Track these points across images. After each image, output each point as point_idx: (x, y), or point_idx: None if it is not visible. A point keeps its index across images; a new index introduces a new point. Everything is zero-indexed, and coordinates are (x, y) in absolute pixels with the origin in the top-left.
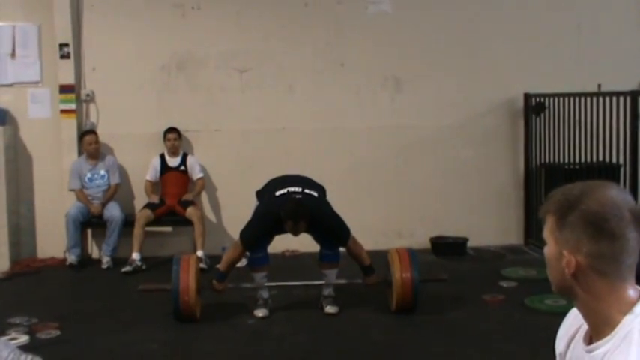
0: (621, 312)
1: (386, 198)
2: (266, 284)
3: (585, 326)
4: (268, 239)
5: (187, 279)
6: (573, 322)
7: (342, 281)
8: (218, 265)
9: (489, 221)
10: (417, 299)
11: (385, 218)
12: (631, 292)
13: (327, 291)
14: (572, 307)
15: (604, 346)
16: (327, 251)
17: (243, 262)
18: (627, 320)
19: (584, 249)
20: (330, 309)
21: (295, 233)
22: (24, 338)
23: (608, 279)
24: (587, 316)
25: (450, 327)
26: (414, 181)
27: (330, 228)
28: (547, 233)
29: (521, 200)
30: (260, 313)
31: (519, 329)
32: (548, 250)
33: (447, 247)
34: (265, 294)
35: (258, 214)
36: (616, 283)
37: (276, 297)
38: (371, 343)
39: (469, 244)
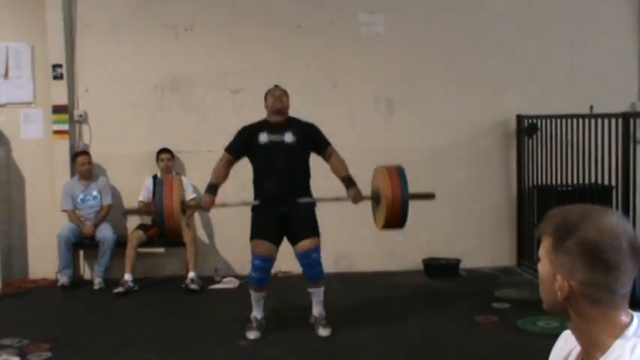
0: (613, 336)
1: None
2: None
3: (577, 349)
4: (273, 236)
5: (171, 202)
6: (564, 345)
7: (330, 198)
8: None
9: (482, 243)
10: (406, 217)
11: (377, 239)
12: (623, 317)
13: (316, 311)
14: (564, 328)
15: None
16: (310, 270)
17: (235, 284)
18: (618, 344)
19: (579, 276)
20: (322, 332)
21: (278, 104)
22: None
23: (600, 307)
24: (579, 337)
25: (442, 348)
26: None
27: (310, 128)
28: (543, 253)
29: (514, 221)
30: (252, 335)
31: (512, 351)
32: (543, 269)
33: (440, 269)
34: (259, 315)
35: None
36: (609, 311)
37: (268, 317)
38: None
39: (462, 265)
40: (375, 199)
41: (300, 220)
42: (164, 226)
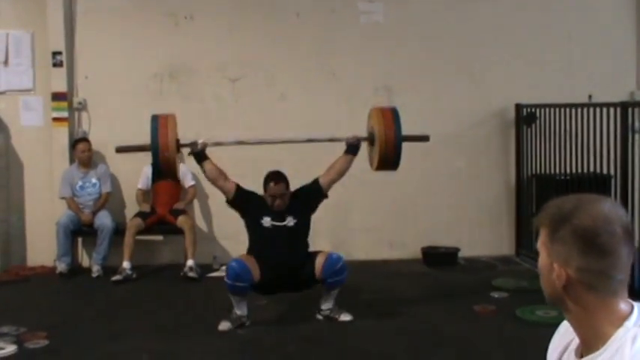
0: (613, 326)
1: (377, 208)
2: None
3: (577, 340)
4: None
5: (166, 135)
6: (565, 334)
7: (325, 138)
8: None
9: (481, 232)
10: (399, 157)
11: (376, 228)
12: (622, 305)
13: (330, 304)
14: (563, 318)
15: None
16: (338, 277)
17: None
18: (619, 334)
19: (575, 263)
20: (344, 317)
21: (278, 200)
22: (12, 348)
23: (598, 293)
24: (578, 329)
25: (441, 338)
26: (405, 191)
27: (306, 190)
28: (540, 244)
29: (513, 211)
30: (222, 326)
31: (510, 341)
32: (541, 261)
33: (439, 258)
34: (239, 311)
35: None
36: (607, 298)
37: (267, 307)
38: (362, 354)
39: (460, 254)
40: (370, 140)
41: (302, 268)
42: (158, 160)
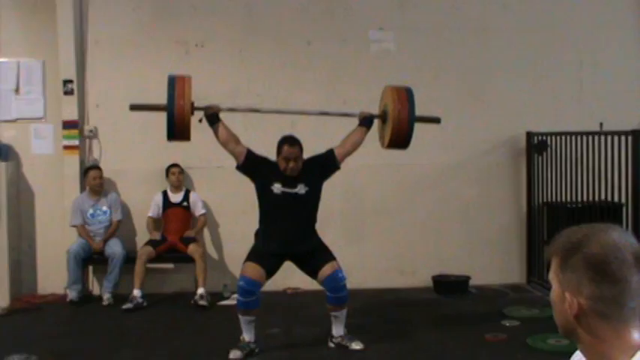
0: (626, 355)
1: (388, 235)
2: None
3: None
4: (268, 264)
5: (183, 96)
6: None
7: (337, 112)
8: None
9: (492, 259)
10: (411, 136)
11: (387, 256)
12: (636, 335)
13: (341, 330)
14: (574, 346)
15: None
16: (337, 294)
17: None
18: None
19: (586, 291)
20: (355, 345)
21: (292, 163)
22: None
23: (610, 322)
24: (590, 359)
25: None
26: (416, 219)
27: (318, 158)
28: (552, 275)
29: (524, 239)
30: (233, 354)
31: None
32: (553, 291)
33: (449, 286)
34: (248, 337)
35: None
36: (619, 327)
37: (278, 336)
38: None
39: (471, 282)
40: (383, 118)
41: (312, 253)
42: (173, 123)
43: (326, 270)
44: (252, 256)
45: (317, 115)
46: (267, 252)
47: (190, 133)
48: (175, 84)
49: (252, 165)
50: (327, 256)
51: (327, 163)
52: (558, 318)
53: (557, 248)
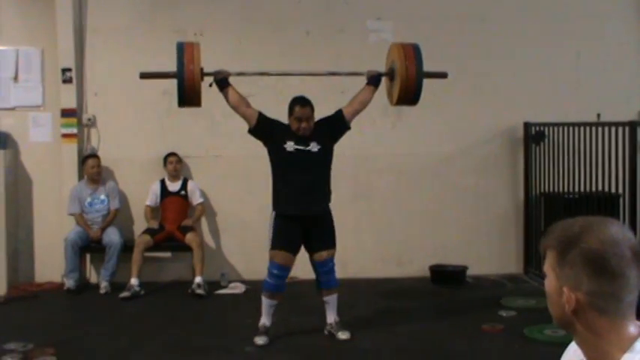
0: (621, 349)
1: (385, 225)
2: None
3: None
4: (291, 235)
5: (192, 62)
6: (573, 356)
7: (345, 72)
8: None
9: (489, 250)
10: (420, 92)
11: (384, 246)
12: (632, 329)
13: (332, 318)
14: (571, 337)
15: None
16: (326, 277)
17: (241, 289)
18: (627, 358)
19: (584, 287)
20: (342, 335)
21: (304, 123)
22: None
23: (608, 316)
24: (586, 351)
25: (447, 356)
26: (414, 209)
27: (330, 118)
28: (548, 268)
29: (521, 229)
30: (260, 340)
31: (517, 359)
32: (549, 284)
33: (447, 276)
34: (268, 322)
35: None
36: (616, 321)
37: (274, 325)
38: None
39: (468, 272)
40: (390, 75)
41: (320, 232)
42: (184, 89)
43: (323, 254)
44: (277, 241)
45: (315, 103)
46: (285, 223)
47: (201, 99)
48: (184, 50)
49: (264, 127)
50: (330, 242)
51: (337, 124)
52: (554, 310)
53: (554, 241)
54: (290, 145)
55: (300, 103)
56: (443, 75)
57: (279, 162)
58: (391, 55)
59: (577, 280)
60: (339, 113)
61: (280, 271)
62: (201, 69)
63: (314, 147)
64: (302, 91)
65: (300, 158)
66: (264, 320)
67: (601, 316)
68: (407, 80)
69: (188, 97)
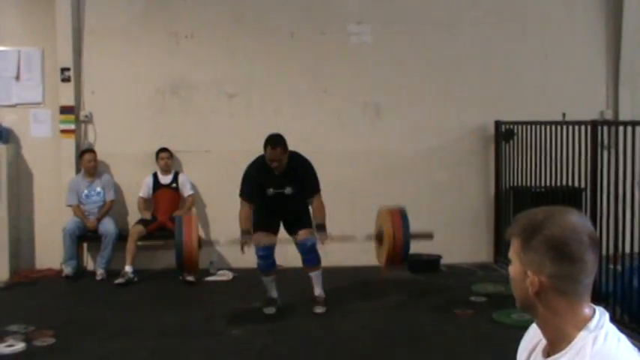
0: (577, 328)
1: (365, 217)
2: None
3: (544, 341)
4: (270, 218)
5: (191, 243)
6: (534, 336)
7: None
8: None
9: (462, 240)
10: (407, 255)
11: (363, 236)
12: (586, 310)
13: (316, 291)
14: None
15: (560, 359)
16: (307, 255)
17: (229, 276)
18: (581, 336)
19: (547, 270)
20: (317, 309)
21: (275, 163)
22: (21, 345)
23: (567, 298)
24: (545, 331)
25: (422, 338)
26: (392, 202)
27: (305, 174)
28: (513, 254)
29: (492, 220)
30: (269, 311)
31: (486, 341)
32: (514, 269)
33: (422, 264)
34: (273, 294)
35: (245, 174)
36: (574, 302)
37: (260, 309)
38: (346, 353)
39: (442, 261)
40: (379, 239)
41: (296, 217)
42: (183, 263)
43: (302, 233)
44: (256, 224)
45: (299, 101)
46: (263, 215)
47: (197, 267)
48: (183, 225)
49: (256, 196)
50: (307, 223)
51: (307, 188)
52: (518, 293)
53: (518, 229)
54: (270, 191)
55: (271, 144)
56: (428, 236)
57: (262, 202)
58: (379, 218)
59: (540, 264)
60: (311, 191)
61: (263, 251)
62: (199, 239)
63: (288, 190)
64: (287, 90)
65: (278, 199)
66: (269, 294)
67: (561, 298)
68: (394, 248)
69: (188, 267)
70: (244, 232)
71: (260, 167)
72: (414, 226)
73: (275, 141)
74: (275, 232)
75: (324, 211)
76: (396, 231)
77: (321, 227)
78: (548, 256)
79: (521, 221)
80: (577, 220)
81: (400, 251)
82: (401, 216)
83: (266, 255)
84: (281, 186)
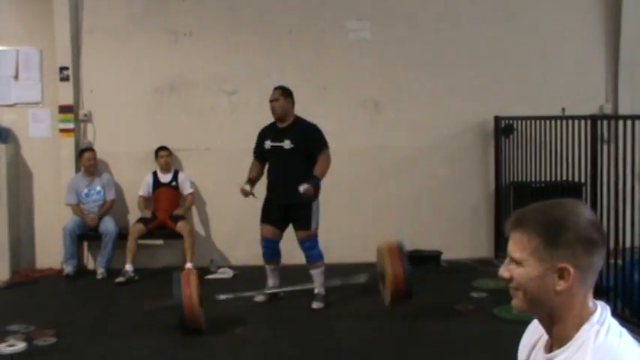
0: (580, 322)
1: (365, 214)
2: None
3: (545, 337)
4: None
5: (190, 293)
6: (535, 331)
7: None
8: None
9: (462, 236)
10: (411, 290)
11: (364, 232)
12: (591, 304)
13: (316, 289)
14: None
15: (562, 354)
16: (306, 252)
17: (229, 274)
18: (584, 329)
19: (580, 262)
20: (314, 305)
21: (274, 103)
22: (22, 345)
23: (585, 289)
24: (551, 327)
25: (423, 334)
26: (392, 198)
27: (310, 132)
28: (525, 255)
29: (492, 216)
30: (258, 298)
31: (487, 337)
32: (528, 270)
33: (423, 260)
34: (271, 282)
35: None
36: (587, 294)
37: (261, 305)
38: (347, 350)
39: (443, 257)
40: (382, 278)
41: (296, 217)
42: (185, 319)
43: (300, 234)
44: (263, 216)
45: (299, 98)
46: (269, 203)
47: (202, 325)
48: (181, 279)
49: (260, 152)
50: (305, 224)
51: (311, 145)
52: (533, 293)
53: (537, 228)
54: (267, 144)
55: (275, 87)
56: (438, 254)
57: (265, 158)
58: (379, 257)
59: (574, 257)
60: (316, 149)
61: (266, 242)
62: (200, 296)
63: (287, 144)
64: (284, 84)
65: (275, 153)
66: (268, 281)
67: (581, 290)
68: (396, 282)
69: (190, 323)
70: (249, 180)
71: (269, 125)
72: (415, 225)
73: (278, 86)
74: (281, 225)
75: (326, 165)
76: (396, 271)
77: (311, 177)
78: (582, 248)
79: (536, 218)
80: (590, 211)
81: (403, 288)
82: (399, 253)
83: (268, 246)
84: (280, 139)
